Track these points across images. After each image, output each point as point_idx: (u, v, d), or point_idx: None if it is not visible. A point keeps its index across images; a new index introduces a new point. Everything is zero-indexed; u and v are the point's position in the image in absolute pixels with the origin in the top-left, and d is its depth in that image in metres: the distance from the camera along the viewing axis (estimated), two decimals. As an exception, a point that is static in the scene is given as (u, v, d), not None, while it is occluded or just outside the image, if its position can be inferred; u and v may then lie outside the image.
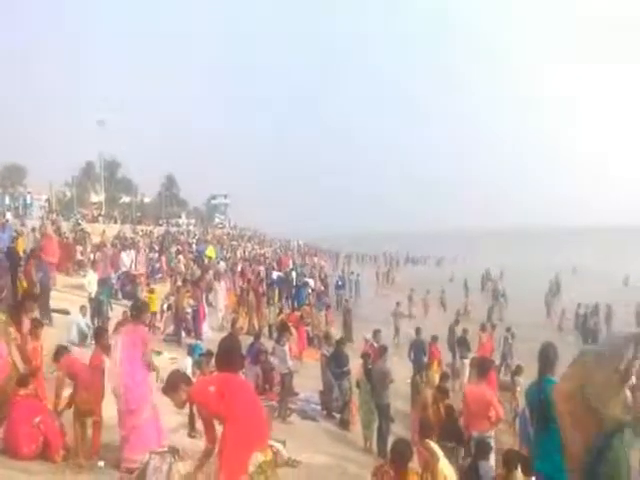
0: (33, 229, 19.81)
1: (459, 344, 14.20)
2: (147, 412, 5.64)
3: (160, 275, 22.03)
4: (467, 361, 12.96)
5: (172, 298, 15.32)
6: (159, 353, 12.21)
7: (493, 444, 6.54)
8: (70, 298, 14.89)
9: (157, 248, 26.49)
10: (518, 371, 10.68)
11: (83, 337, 11.31)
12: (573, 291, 30.18)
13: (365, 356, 10.15)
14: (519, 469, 5.15)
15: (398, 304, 21.48)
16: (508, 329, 16.22)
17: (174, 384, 4.15)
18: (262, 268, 25.87)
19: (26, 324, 6.56)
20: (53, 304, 13.02)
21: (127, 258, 19.97)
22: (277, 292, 20.94)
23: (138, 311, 6.11)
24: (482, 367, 7.31)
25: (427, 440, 5.62)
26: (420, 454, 5.58)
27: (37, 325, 6.80)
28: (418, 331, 14.21)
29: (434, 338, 13.97)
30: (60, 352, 6.27)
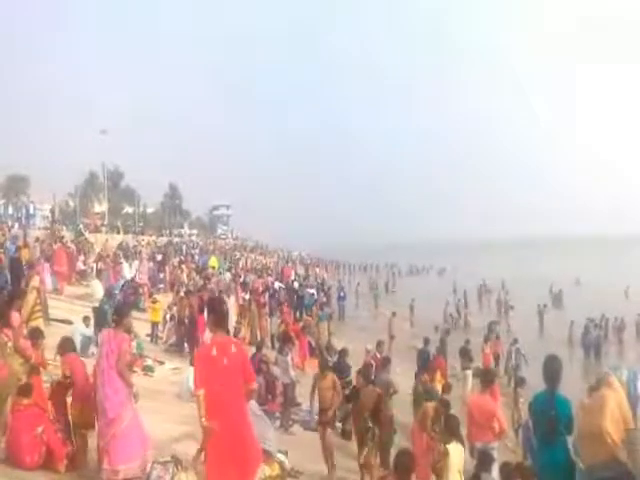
0: (37, 239, 19.88)
1: (461, 355, 14.12)
2: (127, 420, 5.36)
3: (162, 285, 22.06)
4: (469, 372, 12.91)
5: (174, 308, 15.35)
6: (161, 363, 12.24)
7: (496, 455, 6.52)
8: (72, 308, 14.92)
9: (159, 258, 26.55)
10: (520, 383, 10.64)
11: (85, 347, 11.30)
12: (576, 303, 30.14)
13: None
14: None
15: (394, 314, 21.49)
16: (515, 340, 16.25)
17: None
18: (270, 279, 25.97)
19: (15, 318, 6.42)
20: (55, 313, 13.06)
21: (129, 268, 20.02)
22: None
23: (119, 315, 5.74)
24: (485, 378, 7.30)
25: (446, 445, 5.66)
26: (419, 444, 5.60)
27: (38, 335, 6.66)
28: (426, 341, 14.02)
29: (439, 349, 13.91)
30: (66, 346, 6.02)
